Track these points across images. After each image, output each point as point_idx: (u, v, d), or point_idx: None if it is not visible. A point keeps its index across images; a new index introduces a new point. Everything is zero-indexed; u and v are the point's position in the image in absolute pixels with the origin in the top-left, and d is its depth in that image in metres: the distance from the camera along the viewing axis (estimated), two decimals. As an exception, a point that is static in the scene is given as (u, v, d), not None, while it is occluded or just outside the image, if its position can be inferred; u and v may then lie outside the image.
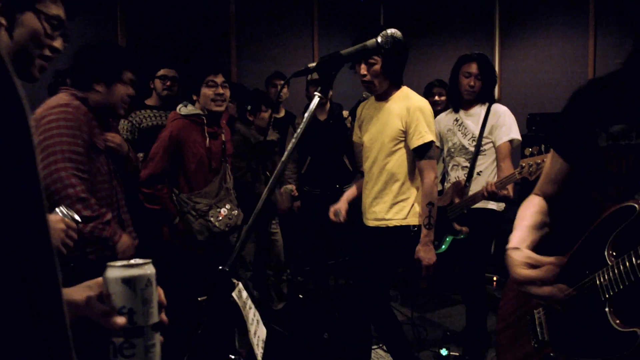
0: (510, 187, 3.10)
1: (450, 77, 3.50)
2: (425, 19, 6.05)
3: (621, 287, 1.16)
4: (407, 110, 2.75)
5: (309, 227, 4.13)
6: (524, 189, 3.49)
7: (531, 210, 1.51)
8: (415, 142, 2.73)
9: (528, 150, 2.90)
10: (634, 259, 1.13)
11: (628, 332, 1.15)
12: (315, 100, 1.41)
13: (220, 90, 3.05)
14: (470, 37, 5.71)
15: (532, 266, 1.33)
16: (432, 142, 2.74)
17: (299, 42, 5.80)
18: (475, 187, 3.36)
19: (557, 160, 1.49)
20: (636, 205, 1.20)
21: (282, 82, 4.39)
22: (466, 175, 3.40)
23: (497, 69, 5.44)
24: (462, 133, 3.43)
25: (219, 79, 3.05)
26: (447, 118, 3.56)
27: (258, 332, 1.47)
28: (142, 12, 4.71)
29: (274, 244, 3.98)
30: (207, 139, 3.07)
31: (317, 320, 3.82)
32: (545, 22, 5.13)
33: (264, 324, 1.56)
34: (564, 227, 1.51)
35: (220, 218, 3.04)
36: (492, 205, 3.35)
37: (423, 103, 2.80)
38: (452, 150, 3.50)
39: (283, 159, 1.39)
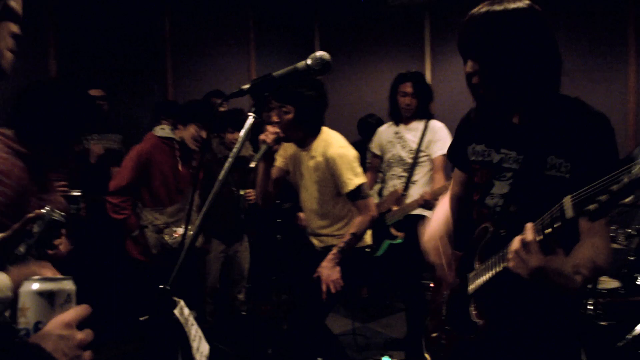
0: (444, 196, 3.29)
1: (389, 94, 3.72)
2: (359, 38, 6.22)
3: (479, 286, 1.50)
4: (326, 162, 2.72)
5: (251, 244, 4.15)
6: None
7: (444, 207, 1.88)
8: (344, 191, 2.71)
9: None
10: (489, 268, 1.46)
11: (475, 321, 1.49)
12: (250, 120, 1.47)
13: (204, 135, 3.27)
14: (402, 54, 5.91)
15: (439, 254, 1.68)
16: (360, 185, 2.69)
17: (236, 61, 5.83)
18: (411, 195, 3.59)
19: (457, 171, 1.84)
20: (488, 226, 1.54)
21: (219, 100, 4.41)
22: (403, 184, 3.63)
23: (429, 80, 5.66)
24: (401, 145, 3.67)
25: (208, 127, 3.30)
26: (388, 130, 3.80)
27: (201, 348, 1.50)
28: (75, 32, 4.62)
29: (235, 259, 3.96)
30: (179, 163, 3.29)
31: (260, 336, 3.83)
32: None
33: (207, 341, 1.59)
34: (465, 222, 1.78)
35: (175, 236, 3.19)
36: (427, 213, 3.52)
37: (338, 150, 2.72)
38: (392, 161, 3.72)
39: (220, 177, 1.44)
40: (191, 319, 1.48)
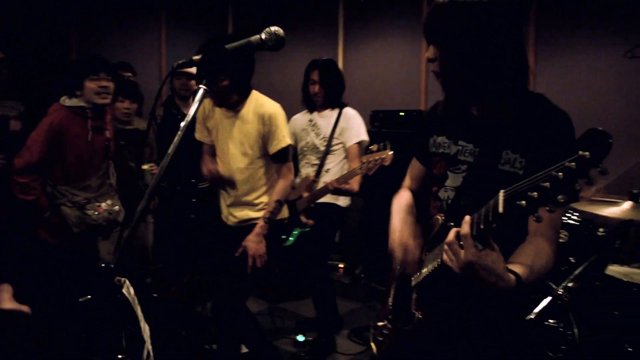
0: (355, 182, 3.37)
1: (303, 81, 3.68)
2: (273, 21, 6.14)
3: (423, 277, 1.53)
4: (261, 118, 2.75)
5: (163, 224, 4.01)
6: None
7: (403, 201, 1.80)
8: (274, 148, 2.76)
9: (375, 147, 3.16)
10: (431, 259, 1.48)
11: (413, 312, 1.53)
12: (201, 92, 1.42)
13: (104, 83, 3.00)
14: (315, 37, 5.94)
15: (403, 246, 1.62)
16: (289, 145, 2.80)
17: (146, 40, 5.57)
18: (323, 182, 3.57)
19: (416, 162, 1.82)
20: (439, 218, 1.54)
21: (129, 73, 4.19)
22: (315, 171, 3.61)
23: (340, 67, 5.74)
24: (315, 133, 3.64)
25: (103, 74, 3.01)
26: (302, 118, 3.75)
27: (145, 329, 1.45)
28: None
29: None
30: (90, 133, 3.02)
31: (174, 318, 3.74)
32: (384, 25, 5.53)
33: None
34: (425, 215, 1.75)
35: (99, 212, 3.03)
36: (337, 200, 3.61)
37: (275, 108, 2.80)
38: (305, 149, 3.69)
39: (170, 151, 1.38)
40: (136, 299, 1.42)
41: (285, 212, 2.97)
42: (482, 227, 1.16)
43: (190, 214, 3.92)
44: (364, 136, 3.59)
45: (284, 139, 2.76)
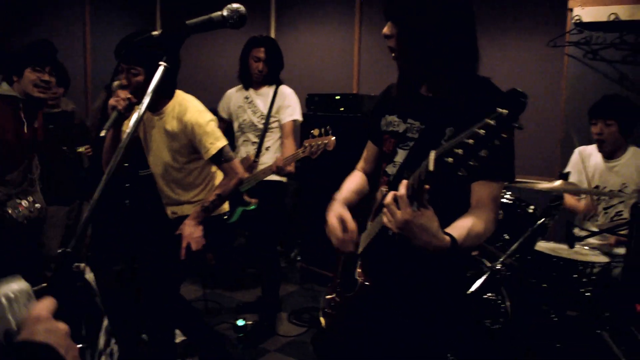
0: (292, 164, 3.39)
1: (240, 57, 3.62)
2: (203, 2, 5.97)
3: (366, 244, 1.61)
4: (183, 127, 2.58)
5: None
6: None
7: (353, 179, 1.89)
8: (207, 156, 2.61)
9: (317, 131, 3.21)
10: (374, 227, 1.56)
11: (356, 279, 1.61)
12: (161, 69, 1.38)
13: (47, 77, 2.80)
14: (248, 21, 5.83)
15: (341, 220, 1.66)
16: (222, 148, 2.60)
17: (69, 16, 5.24)
18: (264, 161, 3.59)
19: (370, 144, 1.88)
20: (384, 189, 1.62)
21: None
22: (255, 150, 3.60)
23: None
24: (252, 111, 3.62)
25: (48, 68, 2.81)
26: (237, 95, 3.70)
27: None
28: None
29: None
30: (25, 125, 2.81)
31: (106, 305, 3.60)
32: (317, 8, 5.51)
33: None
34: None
35: (20, 210, 2.79)
36: (278, 177, 3.59)
37: (198, 115, 2.59)
38: (243, 126, 3.66)
39: (129, 130, 1.33)
40: (95, 286, 1.36)
41: (225, 207, 2.89)
42: (416, 187, 1.22)
43: (124, 199, 3.77)
44: (298, 115, 3.64)
45: (213, 146, 2.57)
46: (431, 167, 1.14)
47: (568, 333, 2.86)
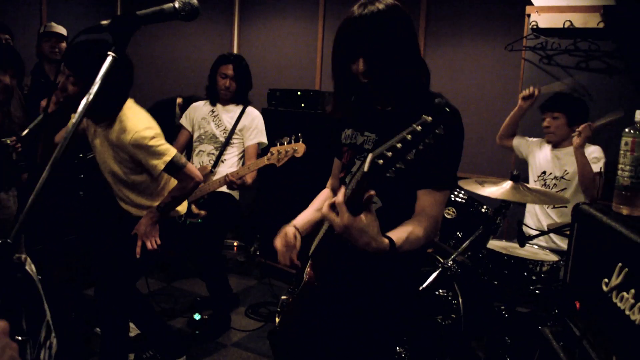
0: (249, 177, 3.38)
1: (209, 74, 3.64)
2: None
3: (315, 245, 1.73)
4: (125, 148, 2.50)
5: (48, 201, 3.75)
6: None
7: (320, 198, 1.96)
8: (156, 172, 2.56)
9: (286, 139, 3.19)
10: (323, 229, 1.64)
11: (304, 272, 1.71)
12: (109, 59, 1.35)
13: (8, 81, 2.72)
14: (210, 14, 5.77)
15: (285, 240, 1.75)
16: (169, 162, 2.53)
17: (26, 6, 5.08)
18: (219, 172, 3.56)
19: (336, 161, 1.96)
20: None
21: (7, 36, 3.82)
22: (212, 161, 3.58)
23: (235, 48, 5.65)
24: (215, 124, 3.62)
25: (10, 71, 2.72)
26: (204, 108, 3.71)
27: (46, 307, 1.37)
28: None
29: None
30: None
31: (59, 298, 3.53)
32: (281, 3, 5.50)
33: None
34: None
35: None
36: (230, 191, 3.59)
37: (136, 136, 2.46)
38: (203, 137, 3.65)
39: (75, 120, 1.30)
40: (37, 277, 1.34)
41: (182, 209, 2.86)
42: (354, 189, 1.28)
43: (78, 190, 3.69)
44: (263, 138, 3.65)
45: (160, 162, 2.50)
46: (366, 168, 1.21)
47: (518, 328, 2.95)
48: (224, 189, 3.51)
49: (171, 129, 4.58)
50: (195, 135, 3.69)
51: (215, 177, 3.50)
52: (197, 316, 3.69)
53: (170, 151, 2.54)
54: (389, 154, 1.17)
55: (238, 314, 3.90)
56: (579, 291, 1.61)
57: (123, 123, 2.49)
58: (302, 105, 4.36)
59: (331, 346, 1.77)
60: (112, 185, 2.75)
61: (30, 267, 1.25)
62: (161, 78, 5.72)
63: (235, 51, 5.59)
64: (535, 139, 3.59)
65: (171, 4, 1.40)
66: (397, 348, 2.72)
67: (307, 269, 1.70)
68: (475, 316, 2.90)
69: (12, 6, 4.92)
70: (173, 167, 2.56)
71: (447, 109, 1.23)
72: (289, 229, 1.78)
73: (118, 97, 2.51)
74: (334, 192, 1.96)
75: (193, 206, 3.37)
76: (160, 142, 2.53)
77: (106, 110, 2.51)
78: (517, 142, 3.65)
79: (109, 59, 1.35)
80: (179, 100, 4.43)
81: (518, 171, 2.80)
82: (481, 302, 2.98)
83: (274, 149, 3.21)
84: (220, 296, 3.72)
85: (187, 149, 3.86)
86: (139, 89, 6.19)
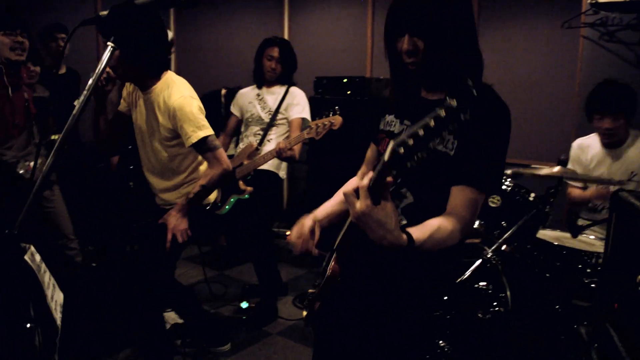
0: (296, 149, 3.42)
1: (255, 57, 3.72)
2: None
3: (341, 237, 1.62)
4: (167, 112, 2.52)
5: (99, 193, 3.90)
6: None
7: (343, 188, 1.81)
8: (188, 143, 2.54)
9: (325, 113, 3.20)
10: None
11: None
12: (108, 50, 1.36)
13: (20, 39, 2.92)
14: (259, 6, 5.80)
15: (299, 232, 1.75)
16: (205, 138, 2.52)
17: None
18: (265, 151, 3.58)
19: (372, 146, 1.86)
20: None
21: (64, 35, 3.99)
22: (258, 141, 3.68)
23: (286, 35, 5.64)
24: (261, 107, 3.72)
25: (19, 30, 2.94)
26: (250, 92, 3.81)
27: (55, 297, 1.39)
28: None
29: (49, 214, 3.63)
30: (9, 89, 2.94)
31: (113, 287, 3.67)
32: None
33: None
34: None
35: (29, 171, 3.00)
36: (275, 169, 3.69)
37: (180, 101, 2.49)
38: (250, 120, 3.76)
39: (74, 112, 1.32)
40: (43, 266, 1.36)
41: (212, 197, 2.85)
42: (374, 178, 1.19)
43: (128, 181, 3.82)
44: (307, 115, 3.69)
45: (194, 134, 2.49)
46: (386, 157, 1.12)
47: (573, 324, 2.77)
48: (269, 167, 3.60)
49: (217, 120, 4.65)
50: (244, 119, 3.81)
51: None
52: (244, 304, 3.73)
53: (207, 130, 2.54)
54: (410, 141, 1.08)
55: (285, 303, 3.90)
56: (616, 287, 1.47)
57: (171, 87, 2.53)
58: (349, 92, 4.30)
59: (353, 343, 1.72)
60: (146, 171, 2.78)
61: (32, 257, 1.27)
62: (206, 69, 5.80)
63: (286, 40, 5.59)
64: (581, 144, 3.17)
65: (169, -10, 1.38)
66: (440, 342, 2.63)
67: (332, 263, 1.64)
68: (524, 311, 2.75)
69: (68, 3, 5.12)
70: (205, 146, 2.54)
71: (475, 92, 1.09)
72: (307, 221, 1.74)
73: (160, 54, 2.54)
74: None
75: (240, 182, 3.47)
76: (201, 117, 2.54)
77: (153, 69, 2.55)
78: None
79: (108, 49, 1.36)
80: (223, 91, 4.50)
81: (566, 156, 2.61)
82: (531, 295, 2.83)
83: (312, 123, 3.27)
84: (268, 284, 3.75)
85: (237, 134, 3.95)
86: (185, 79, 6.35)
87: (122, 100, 2.80)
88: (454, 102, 1.05)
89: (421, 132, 1.07)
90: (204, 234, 2.90)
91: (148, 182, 2.82)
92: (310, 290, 1.88)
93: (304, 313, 1.89)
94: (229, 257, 4.73)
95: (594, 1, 3.63)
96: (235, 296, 4.00)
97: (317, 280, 1.86)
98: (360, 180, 1.85)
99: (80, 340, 2.98)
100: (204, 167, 2.78)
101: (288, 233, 5.31)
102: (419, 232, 1.30)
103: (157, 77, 2.57)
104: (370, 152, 1.90)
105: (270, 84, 3.72)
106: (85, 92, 1.32)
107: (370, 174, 1.22)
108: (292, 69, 3.74)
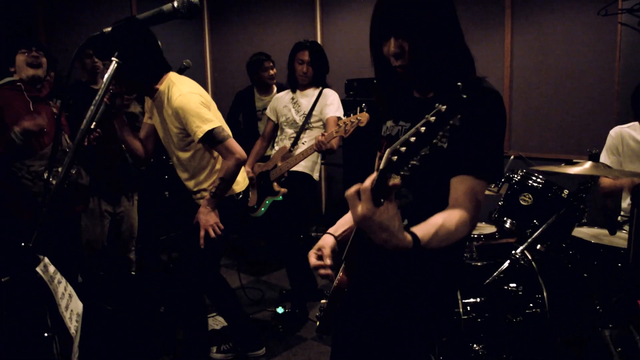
0: (334, 142, 3.39)
1: (288, 61, 3.77)
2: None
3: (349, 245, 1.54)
4: (173, 113, 2.58)
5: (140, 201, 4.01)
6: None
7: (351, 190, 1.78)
8: (196, 139, 2.58)
9: (352, 113, 3.19)
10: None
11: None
12: (113, 65, 1.40)
13: (35, 54, 3.07)
14: (293, 6, 5.84)
15: (319, 252, 1.64)
16: (211, 130, 2.56)
17: (116, 6, 5.45)
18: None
19: (378, 154, 1.80)
20: None
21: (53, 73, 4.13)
22: (292, 143, 3.70)
23: (319, 38, 5.65)
24: (295, 110, 3.75)
25: (34, 47, 3.10)
26: (285, 96, 3.86)
27: (71, 306, 1.44)
28: None
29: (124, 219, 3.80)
30: (30, 103, 3.07)
31: (152, 294, 3.76)
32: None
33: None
34: None
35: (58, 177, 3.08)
36: (309, 171, 3.70)
37: (181, 99, 2.54)
38: (285, 123, 3.79)
39: (82, 127, 1.36)
40: (58, 276, 1.41)
41: (237, 188, 2.86)
42: (373, 183, 1.16)
43: (163, 191, 3.90)
44: (341, 113, 3.69)
45: (198, 130, 2.53)
46: (382, 165, 1.10)
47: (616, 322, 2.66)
48: (303, 168, 3.63)
49: (251, 124, 4.71)
50: (279, 122, 3.84)
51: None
52: (280, 309, 3.75)
53: (213, 122, 2.57)
54: (403, 149, 1.06)
55: (315, 308, 3.89)
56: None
57: (171, 88, 2.59)
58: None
59: (367, 352, 1.68)
60: (178, 170, 2.85)
61: (45, 268, 1.31)
62: (241, 73, 5.87)
63: (318, 43, 5.62)
64: (620, 132, 3.04)
65: (170, 4, 1.41)
66: (474, 346, 2.57)
67: (340, 274, 1.60)
68: (563, 311, 2.65)
69: (103, 8, 5.27)
70: (214, 139, 2.58)
71: (464, 96, 1.07)
72: (326, 244, 1.67)
73: (148, 65, 2.55)
74: None
75: (275, 184, 3.54)
76: (204, 110, 2.58)
77: (153, 75, 2.61)
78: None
79: (113, 65, 1.39)
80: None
81: (598, 149, 2.51)
82: (569, 296, 2.73)
83: (340, 122, 3.23)
84: (301, 288, 3.77)
85: (273, 139, 3.98)
86: (217, 85, 6.46)
87: (145, 114, 2.89)
88: (443, 108, 1.04)
89: (413, 139, 1.05)
90: (236, 226, 2.92)
91: (184, 185, 2.89)
92: (322, 301, 1.86)
93: (317, 323, 1.87)
94: (267, 261, 4.77)
95: (630, -14, 3.49)
96: (272, 301, 4.03)
97: (325, 291, 1.84)
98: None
99: (119, 348, 3.07)
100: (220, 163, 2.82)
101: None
102: (423, 231, 1.27)
103: (159, 81, 2.62)
104: (378, 160, 1.86)
105: (303, 87, 3.75)
106: (92, 107, 1.36)
107: (373, 176, 1.18)
108: (324, 71, 3.75)
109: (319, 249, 1.64)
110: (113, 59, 1.38)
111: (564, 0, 4.11)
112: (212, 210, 2.66)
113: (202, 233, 2.65)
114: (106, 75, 1.37)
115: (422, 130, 1.04)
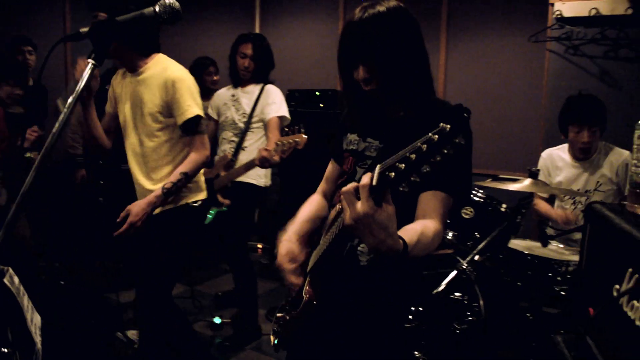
0: (276, 157, 3.13)
1: (229, 54, 3.55)
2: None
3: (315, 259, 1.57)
4: (164, 85, 2.42)
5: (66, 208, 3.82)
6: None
7: (308, 207, 1.80)
8: (180, 119, 2.43)
9: (295, 128, 3.08)
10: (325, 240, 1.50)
11: (302, 296, 1.59)
12: (89, 67, 1.34)
13: (20, 92, 3.02)
14: (232, 13, 5.78)
15: (292, 258, 1.61)
16: (197, 116, 2.44)
17: (48, 12, 5.16)
18: (240, 160, 3.47)
19: (332, 163, 1.84)
20: (337, 206, 1.50)
21: (30, 48, 3.90)
22: (233, 149, 3.50)
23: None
24: (235, 108, 3.52)
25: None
26: (226, 93, 3.62)
27: (34, 320, 1.36)
28: None
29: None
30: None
31: (83, 305, 3.58)
32: (301, 3, 5.47)
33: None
34: None
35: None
36: (253, 180, 3.51)
37: (181, 73, 2.45)
38: (224, 124, 3.57)
39: (54, 130, 1.29)
40: (22, 289, 1.33)
41: (201, 195, 2.69)
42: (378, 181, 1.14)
43: (97, 196, 3.73)
44: (285, 113, 3.51)
45: (189, 109, 2.40)
46: (374, 181, 1.09)
47: (544, 331, 2.83)
48: (247, 178, 3.45)
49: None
50: (219, 122, 3.62)
51: (238, 163, 3.43)
52: (217, 320, 3.67)
53: (202, 110, 2.48)
54: (402, 166, 1.05)
55: (258, 317, 3.87)
56: (592, 297, 1.51)
57: (165, 64, 2.47)
58: (321, 105, 4.32)
59: None
60: (133, 165, 2.60)
61: (11, 280, 1.23)
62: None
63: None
64: (551, 155, 3.24)
65: (151, 8, 1.38)
66: (415, 353, 2.65)
67: (306, 287, 1.59)
68: (497, 320, 2.79)
69: (36, 16, 5.01)
70: (196, 126, 2.46)
71: (467, 115, 1.06)
72: (292, 246, 1.63)
73: (147, 36, 2.47)
74: (326, 198, 1.85)
75: (218, 195, 3.35)
76: (198, 95, 2.48)
77: (141, 51, 2.48)
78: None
79: (89, 66, 1.34)
80: None
81: (537, 168, 2.68)
82: (504, 304, 2.87)
83: (278, 140, 3.05)
84: (246, 296, 3.61)
85: (214, 140, 3.72)
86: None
87: (108, 103, 2.70)
88: (447, 127, 1.03)
89: (413, 157, 1.04)
90: (195, 237, 2.73)
91: (136, 189, 2.64)
92: (278, 315, 1.79)
93: (272, 338, 1.79)
94: (197, 270, 4.67)
95: (559, 16, 3.75)
96: (207, 310, 3.94)
97: (282, 303, 1.79)
98: (322, 201, 1.83)
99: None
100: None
101: (260, 246, 5.28)
102: (408, 237, 1.26)
103: (147, 57, 2.49)
104: (330, 169, 1.87)
105: (245, 83, 3.53)
106: (65, 110, 1.30)
107: (370, 174, 1.15)
108: (267, 67, 3.55)
109: (291, 257, 1.61)
110: (89, 60, 1.32)
111: (497, 26, 4.36)
112: (152, 209, 2.44)
113: (126, 226, 2.41)
114: (82, 77, 1.31)
115: (424, 148, 1.03)
